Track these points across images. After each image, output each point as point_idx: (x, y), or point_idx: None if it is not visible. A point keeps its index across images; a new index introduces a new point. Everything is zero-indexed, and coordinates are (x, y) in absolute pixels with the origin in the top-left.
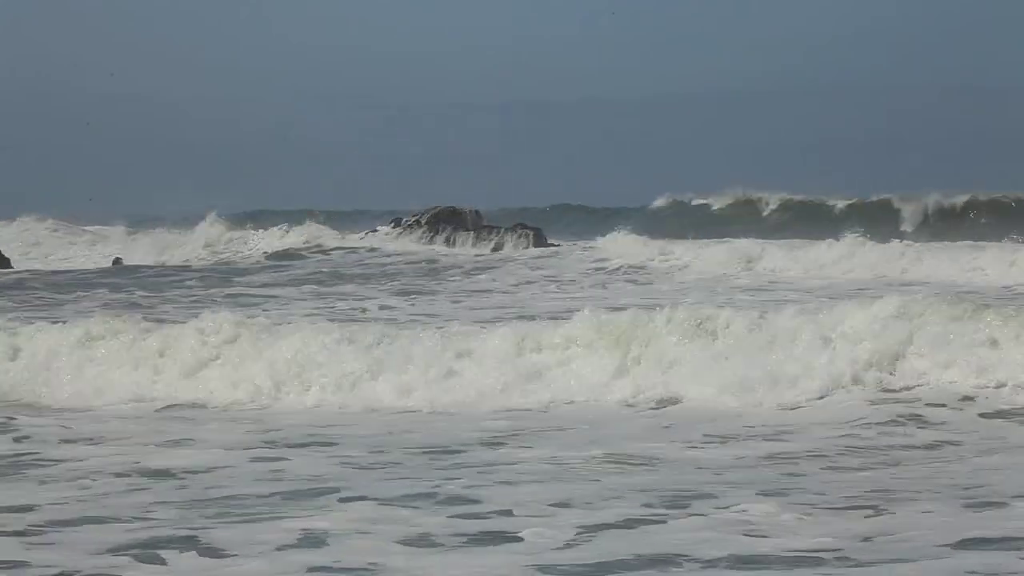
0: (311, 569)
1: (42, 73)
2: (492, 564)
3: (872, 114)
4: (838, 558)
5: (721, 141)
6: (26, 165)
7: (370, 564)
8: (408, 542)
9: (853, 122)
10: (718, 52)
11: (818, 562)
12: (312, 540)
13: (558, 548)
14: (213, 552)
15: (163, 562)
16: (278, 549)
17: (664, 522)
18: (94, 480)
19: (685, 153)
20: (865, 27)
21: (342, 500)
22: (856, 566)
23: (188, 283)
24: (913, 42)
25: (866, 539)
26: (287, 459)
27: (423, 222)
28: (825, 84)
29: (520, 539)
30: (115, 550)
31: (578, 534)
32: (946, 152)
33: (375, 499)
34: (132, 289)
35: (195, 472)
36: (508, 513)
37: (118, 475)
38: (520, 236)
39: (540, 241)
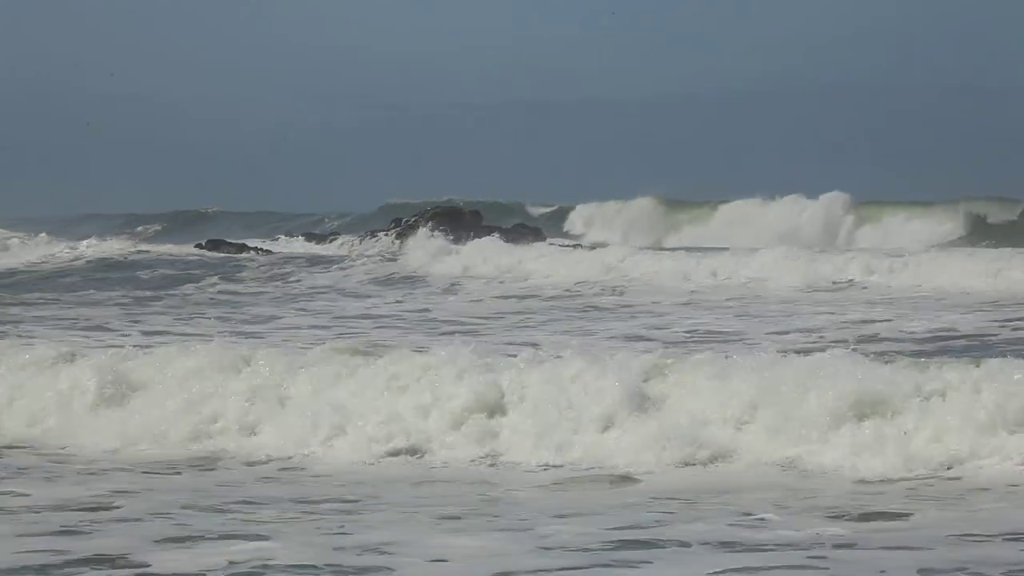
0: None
1: (42, 73)
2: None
3: (872, 114)
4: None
5: (721, 141)
6: (26, 165)
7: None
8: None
9: (853, 122)
10: (718, 52)
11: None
12: None
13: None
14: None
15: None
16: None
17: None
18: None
19: (685, 153)
20: (865, 27)
21: None
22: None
23: None
24: (913, 42)
25: None
26: None
27: (422, 223)
28: (825, 84)
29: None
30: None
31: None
32: (946, 152)
33: None
34: None
35: None
36: None
37: None
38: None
39: (542, 241)
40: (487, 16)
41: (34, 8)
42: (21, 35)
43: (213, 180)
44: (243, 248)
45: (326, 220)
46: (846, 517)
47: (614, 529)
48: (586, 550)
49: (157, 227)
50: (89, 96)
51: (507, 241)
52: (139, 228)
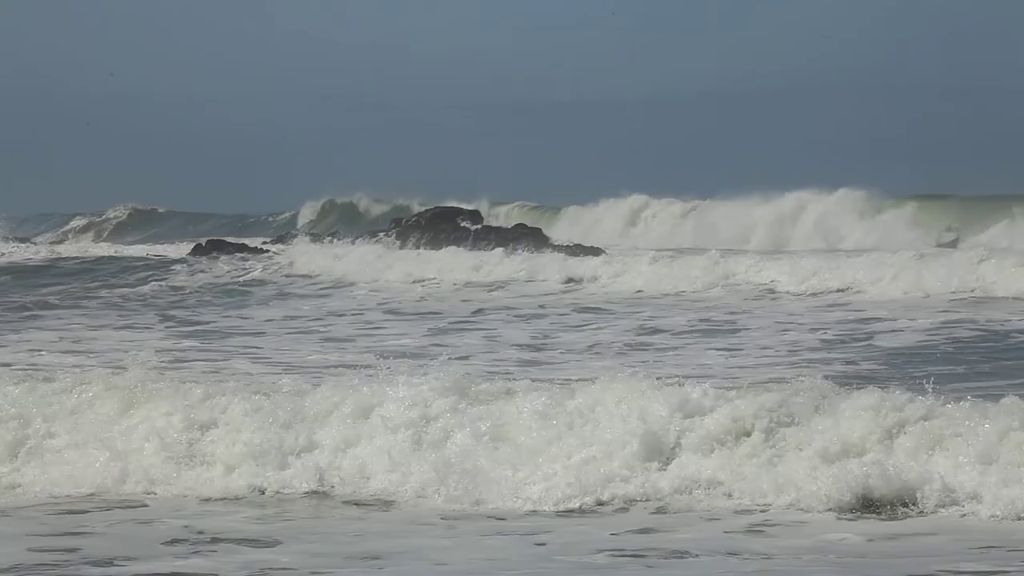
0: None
1: (42, 73)
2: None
3: (872, 114)
4: None
5: (721, 141)
6: (26, 165)
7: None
8: None
9: (853, 122)
10: (718, 52)
11: None
12: None
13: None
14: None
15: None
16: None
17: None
18: None
19: (685, 153)
20: (865, 27)
21: None
22: None
23: None
24: (913, 42)
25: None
26: None
27: (422, 223)
28: (825, 84)
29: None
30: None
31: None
32: (946, 152)
33: None
34: None
35: None
36: None
37: None
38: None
39: (541, 241)
40: (487, 16)
41: (34, 8)
42: (21, 35)
43: (213, 179)
44: (243, 248)
45: (267, 219)
46: None
47: None
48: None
49: (108, 225)
50: (89, 96)
51: (506, 242)
52: (67, 226)
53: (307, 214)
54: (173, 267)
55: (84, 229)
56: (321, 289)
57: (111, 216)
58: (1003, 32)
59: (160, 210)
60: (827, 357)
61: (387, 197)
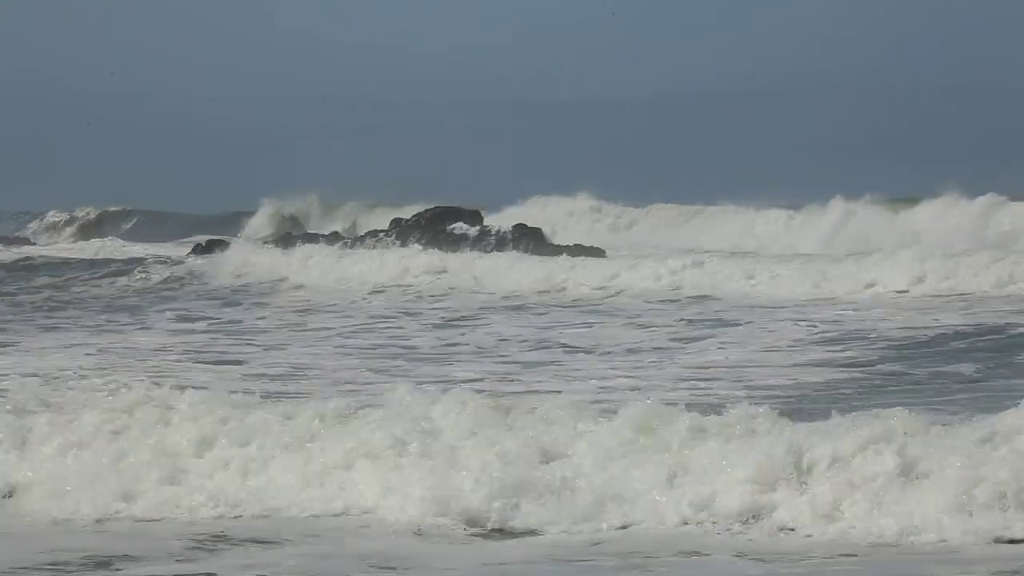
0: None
1: (42, 73)
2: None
3: (872, 114)
4: None
5: (721, 141)
6: (26, 165)
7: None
8: None
9: (853, 122)
10: (718, 52)
11: None
12: None
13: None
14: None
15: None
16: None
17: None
18: None
19: (685, 153)
20: (865, 27)
21: None
22: None
23: None
24: (913, 42)
25: None
26: None
27: (422, 223)
28: (825, 84)
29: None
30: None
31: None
32: (946, 152)
33: None
34: None
35: None
36: None
37: None
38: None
39: (541, 242)
40: (487, 16)
41: (34, 8)
42: (21, 35)
43: (212, 179)
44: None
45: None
46: None
47: None
48: None
49: (74, 227)
50: (89, 96)
51: (506, 243)
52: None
53: (262, 217)
54: (169, 265)
55: (63, 226)
56: (303, 288)
57: (79, 215)
58: (1003, 32)
59: (128, 208)
60: (833, 356)
61: (337, 200)
